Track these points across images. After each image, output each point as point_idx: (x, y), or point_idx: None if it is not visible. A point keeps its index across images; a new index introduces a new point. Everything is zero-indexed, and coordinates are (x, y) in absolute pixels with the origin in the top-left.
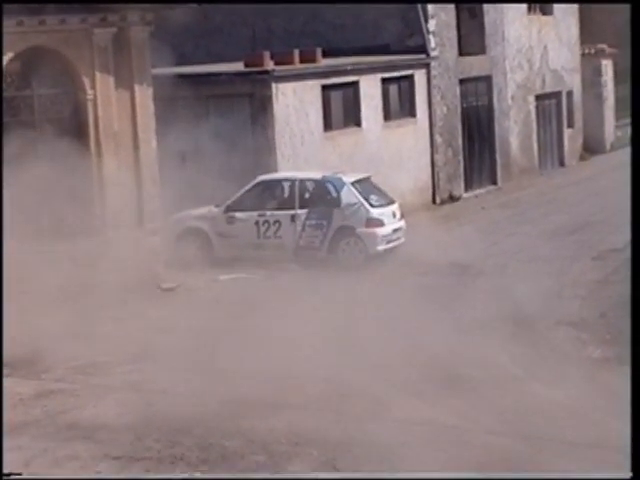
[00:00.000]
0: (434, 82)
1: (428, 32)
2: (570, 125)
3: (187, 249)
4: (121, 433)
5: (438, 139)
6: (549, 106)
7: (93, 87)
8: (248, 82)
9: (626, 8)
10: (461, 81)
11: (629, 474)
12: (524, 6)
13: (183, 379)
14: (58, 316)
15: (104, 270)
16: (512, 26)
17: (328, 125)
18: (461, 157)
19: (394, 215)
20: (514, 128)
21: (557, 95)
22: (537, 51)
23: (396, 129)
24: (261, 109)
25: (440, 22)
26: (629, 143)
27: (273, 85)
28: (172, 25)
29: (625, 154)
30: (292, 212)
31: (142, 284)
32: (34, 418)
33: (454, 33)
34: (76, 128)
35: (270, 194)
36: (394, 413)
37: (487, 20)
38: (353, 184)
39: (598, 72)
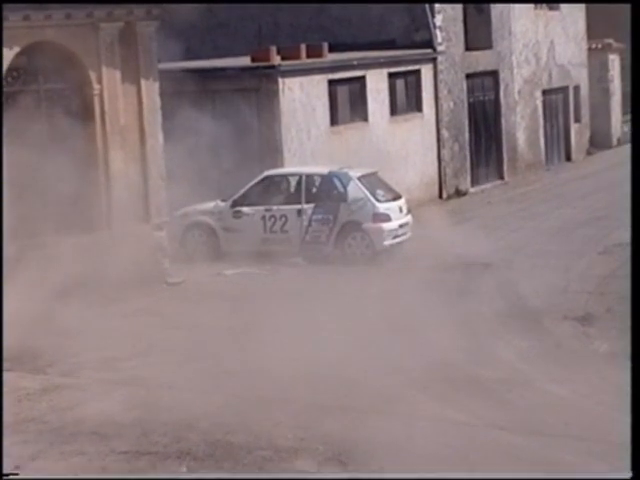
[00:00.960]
0: (441, 77)
1: (435, 27)
2: (577, 120)
3: (193, 244)
4: (127, 428)
5: (445, 134)
6: (556, 101)
7: (99, 82)
8: (255, 77)
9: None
10: (468, 76)
11: (629, 474)
12: None
13: (189, 374)
14: (63, 311)
15: (110, 265)
16: (519, 21)
17: (334, 120)
18: (467, 152)
19: (400, 210)
20: (521, 123)
21: (564, 90)
22: (544, 46)
23: (403, 124)
24: (267, 104)
25: (447, 17)
26: None
27: (280, 80)
28: (178, 19)
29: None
30: (298, 207)
31: (148, 279)
32: (40, 413)
33: (461, 28)
34: (82, 123)
35: (276, 189)
36: (400, 408)
37: (494, 15)
38: (360, 179)
39: (605, 67)
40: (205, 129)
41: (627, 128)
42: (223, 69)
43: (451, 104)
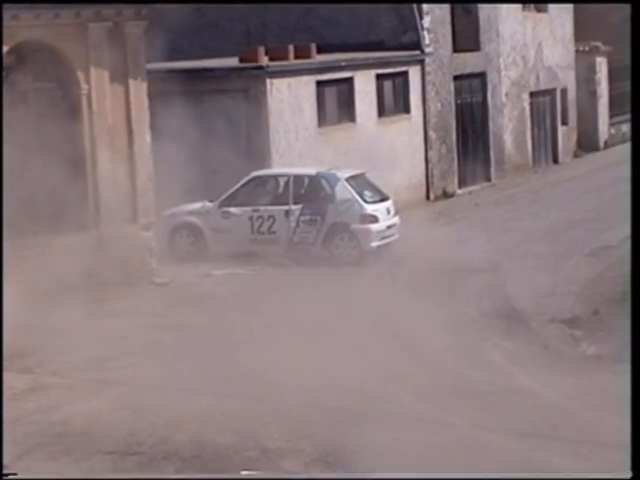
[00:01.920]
0: (428, 78)
1: (423, 28)
2: (564, 122)
3: (181, 244)
4: (114, 428)
5: (432, 135)
6: (543, 103)
7: (88, 81)
8: (242, 77)
9: (621, 6)
10: (455, 78)
11: (629, 474)
12: None
13: (177, 374)
14: (50, 311)
15: (98, 265)
16: (506, 23)
17: (322, 121)
18: (455, 154)
19: (388, 211)
20: (508, 125)
21: (551, 92)
22: (531, 48)
23: (390, 125)
24: (255, 104)
25: (435, 18)
26: (622, 141)
27: (267, 80)
28: (167, 20)
29: (619, 152)
30: (286, 207)
31: (136, 279)
32: (27, 412)
33: (448, 29)
34: (70, 122)
35: (264, 189)
36: (387, 409)
37: (481, 17)
38: (347, 180)
39: (592, 69)
40: (193, 129)
41: (614, 130)
42: (211, 69)
43: (439, 106)
